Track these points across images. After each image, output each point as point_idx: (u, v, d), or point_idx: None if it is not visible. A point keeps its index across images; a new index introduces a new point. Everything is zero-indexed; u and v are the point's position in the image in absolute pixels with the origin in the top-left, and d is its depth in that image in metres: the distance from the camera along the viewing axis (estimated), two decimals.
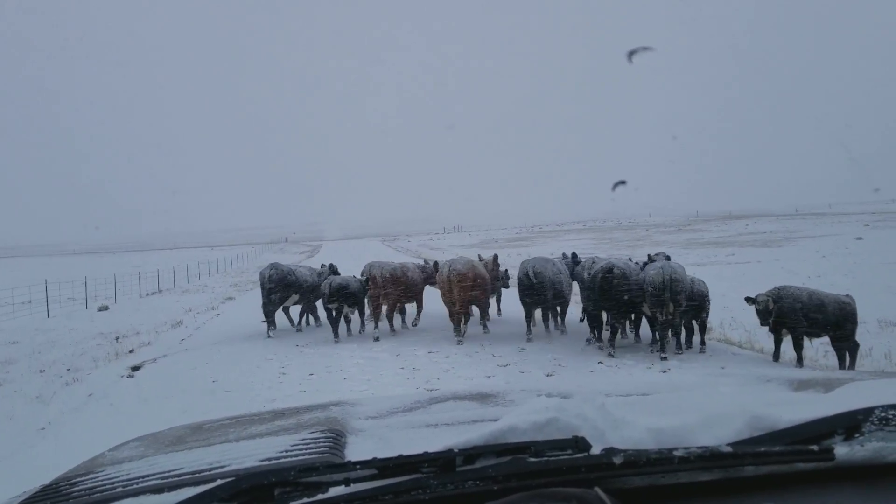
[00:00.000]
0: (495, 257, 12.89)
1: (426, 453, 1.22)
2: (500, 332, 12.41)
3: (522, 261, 12.01)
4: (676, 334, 9.90)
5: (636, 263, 11.41)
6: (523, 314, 11.71)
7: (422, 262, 14.38)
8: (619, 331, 10.89)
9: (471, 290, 11.52)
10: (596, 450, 1.20)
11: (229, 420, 2.19)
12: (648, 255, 10.94)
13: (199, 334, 14.60)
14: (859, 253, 27.40)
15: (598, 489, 1.06)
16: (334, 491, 1.16)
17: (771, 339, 9.11)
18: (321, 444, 1.62)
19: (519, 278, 11.58)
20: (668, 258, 10.77)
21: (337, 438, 1.68)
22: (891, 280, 16.70)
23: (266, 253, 71.40)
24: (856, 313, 8.33)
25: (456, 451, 1.22)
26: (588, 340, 10.62)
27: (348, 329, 12.71)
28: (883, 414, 1.23)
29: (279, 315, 13.68)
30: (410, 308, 13.80)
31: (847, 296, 8.49)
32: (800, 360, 8.59)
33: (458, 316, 11.64)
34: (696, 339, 10.50)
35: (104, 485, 1.47)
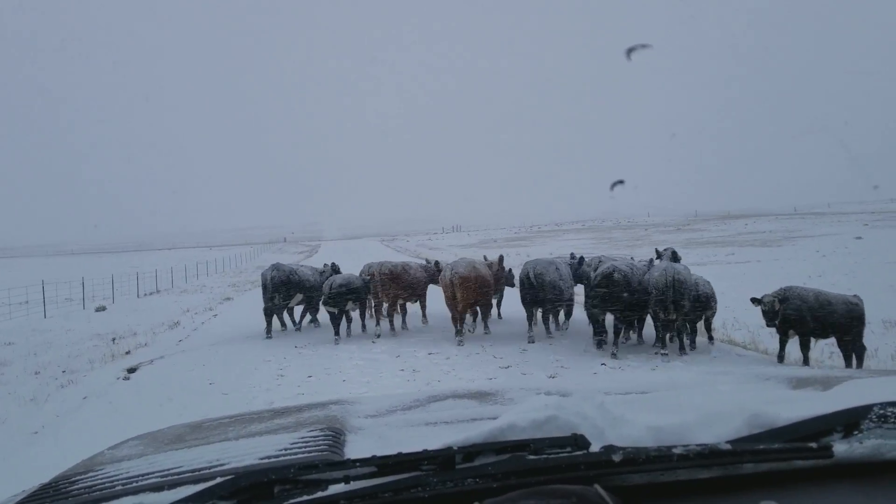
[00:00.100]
0: (501, 258, 12.79)
1: (426, 451, 1.22)
2: (502, 332, 12.30)
3: (525, 262, 11.95)
4: (680, 336, 9.77)
5: (642, 262, 11.32)
6: (525, 315, 11.68)
7: (423, 262, 14.26)
8: (623, 331, 10.81)
9: (473, 293, 11.46)
10: (595, 447, 1.19)
11: (228, 419, 2.18)
12: (656, 250, 10.86)
13: (196, 335, 14.47)
14: (859, 252, 27.35)
15: (597, 486, 1.06)
16: (334, 489, 1.16)
17: (774, 340, 9.02)
18: (320, 443, 1.62)
19: (520, 279, 11.62)
20: (674, 253, 10.68)
21: (336, 437, 1.68)
22: (893, 279, 16.61)
23: (265, 253, 71.27)
24: (864, 314, 8.22)
25: (455, 448, 1.23)
26: (596, 343, 10.49)
27: (349, 329, 12.63)
28: (881, 411, 1.23)
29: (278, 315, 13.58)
30: (412, 309, 13.70)
31: (855, 296, 8.37)
32: (806, 362, 8.47)
33: (461, 317, 11.58)
34: (700, 339, 10.42)
35: (104, 483, 1.47)
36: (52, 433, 7.17)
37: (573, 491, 1.04)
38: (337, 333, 12.19)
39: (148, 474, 1.48)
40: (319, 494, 1.15)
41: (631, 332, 11.02)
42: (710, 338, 10.27)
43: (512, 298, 13.06)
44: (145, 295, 28.82)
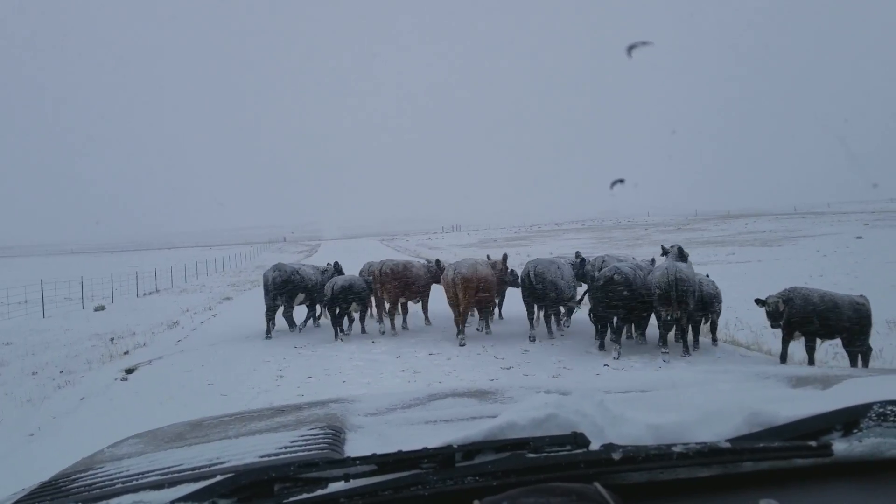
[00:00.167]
0: (505, 257, 12.73)
1: (425, 449, 1.22)
2: (503, 332, 12.23)
3: (527, 261, 11.95)
4: (684, 336, 9.69)
5: (644, 261, 11.26)
6: (526, 314, 11.70)
7: (425, 262, 14.19)
8: (626, 331, 10.74)
9: (475, 293, 11.42)
10: (595, 446, 1.20)
11: (228, 417, 2.18)
12: (662, 247, 10.82)
13: (195, 335, 14.38)
14: (860, 252, 27.26)
15: (597, 484, 1.06)
16: (334, 486, 1.16)
17: (778, 340, 8.94)
18: (320, 441, 1.62)
19: (521, 278, 11.66)
20: (681, 250, 10.62)
21: (336, 435, 1.68)
22: (895, 279, 16.53)
23: (264, 252, 71.20)
24: (870, 315, 8.13)
25: (455, 446, 1.23)
26: (598, 344, 10.42)
27: (349, 328, 12.54)
28: (881, 410, 1.23)
29: (278, 316, 13.50)
30: (413, 309, 13.65)
31: (861, 296, 8.28)
32: (811, 363, 8.39)
33: (463, 317, 11.56)
34: (703, 340, 10.35)
35: (103, 481, 1.47)
36: (49, 435, 7.07)
37: (573, 489, 1.03)
38: (337, 334, 12.17)
39: (148, 472, 1.47)
40: (319, 492, 1.15)
41: (635, 332, 10.95)
42: (714, 339, 10.19)
43: (513, 298, 13.02)
44: (145, 294, 28.76)
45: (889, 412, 1.23)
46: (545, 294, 11.20)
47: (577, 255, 12.92)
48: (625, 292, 9.72)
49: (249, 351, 11.47)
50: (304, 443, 1.62)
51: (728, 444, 1.17)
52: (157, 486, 1.32)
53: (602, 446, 1.18)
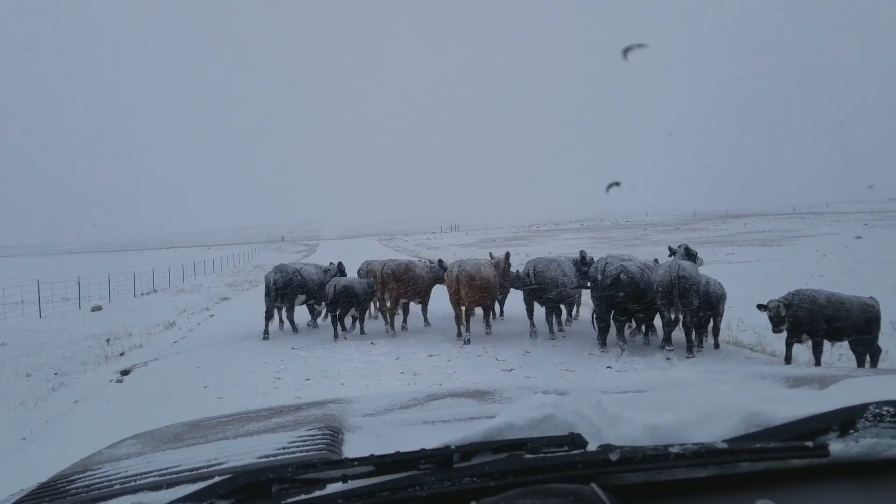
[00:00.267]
0: (507, 255, 12.66)
1: (423, 450, 1.22)
2: (504, 332, 12.13)
3: (527, 261, 11.88)
4: (688, 336, 9.58)
5: (653, 261, 11.20)
6: (526, 313, 11.76)
7: (427, 262, 14.12)
8: (632, 328, 10.62)
9: (479, 291, 11.41)
10: (592, 446, 1.20)
11: (226, 417, 2.18)
12: (669, 248, 10.76)
13: (192, 336, 14.27)
14: (860, 252, 27.18)
15: (594, 485, 1.06)
16: (331, 488, 1.16)
17: (782, 341, 8.84)
18: (318, 441, 1.62)
19: (521, 277, 11.64)
20: (688, 250, 10.54)
21: (334, 435, 1.68)
22: None
23: (263, 252, 71.08)
24: (880, 316, 8.01)
25: (453, 447, 1.23)
26: (601, 343, 10.34)
27: (353, 326, 12.47)
28: (877, 410, 1.23)
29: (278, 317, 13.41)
30: (413, 310, 13.55)
31: (871, 298, 8.15)
32: (818, 366, 8.28)
33: (467, 315, 11.57)
34: (709, 341, 10.26)
35: (102, 482, 1.46)
36: (41, 439, 6.95)
37: (570, 490, 1.03)
38: (337, 334, 12.11)
39: (146, 473, 1.47)
40: (317, 493, 1.15)
41: (642, 332, 10.84)
42: (716, 343, 10.06)
43: (513, 298, 12.99)
44: (142, 294, 28.64)
45: (885, 412, 1.23)
46: (546, 293, 11.21)
47: (583, 253, 12.77)
48: (632, 291, 9.65)
49: (247, 352, 11.35)
50: (303, 443, 1.61)
51: (725, 445, 1.17)
52: (155, 486, 1.31)
53: (599, 447, 1.17)
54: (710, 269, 13.16)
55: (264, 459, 1.49)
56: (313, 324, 13.94)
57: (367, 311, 13.34)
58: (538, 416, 1.33)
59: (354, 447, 1.56)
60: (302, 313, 14.03)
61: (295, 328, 13.25)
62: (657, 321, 10.57)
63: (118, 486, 1.40)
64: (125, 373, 10.33)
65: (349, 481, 1.16)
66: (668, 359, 9.33)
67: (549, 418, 1.32)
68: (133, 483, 1.40)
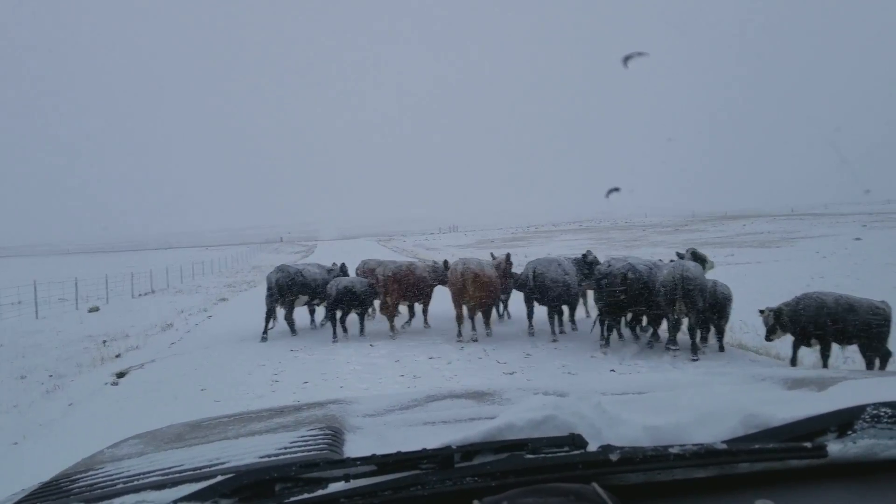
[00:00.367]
0: (508, 256, 12.59)
1: (424, 450, 1.23)
2: (505, 334, 12.02)
3: (527, 262, 11.83)
4: (693, 338, 9.48)
5: (660, 260, 11.20)
6: (527, 315, 11.74)
7: (432, 262, 14.07)
8: (638, 328, 10.55)
9: (483, 291, 11.36)
10: (592, 447, 1.20)
11: (228, 418, 2.19)
12: (677, 253, 10.74)
13: (189, 337, 14.14)
14: (859, 254, 27.14)
15: (595, 485, 1.06)
16: (334, 487, 1.17)
17: (786, 344, 8.75)
18: (320, 441, 1.62)
19: (522, 279, 11.61)
20: (695, 254, 10.50)
21: (335, 435, 1.68)
22: None
23: (261, 253, 70.95)
24: (889, 319, 7.86)
25: (454, 447, 1.24)
26: (604, 342, 10.28)
27: (364, 325, 12.49)
28: (875, 411, 1.24)
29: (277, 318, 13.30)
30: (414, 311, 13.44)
31: (882, 302, 8.02)
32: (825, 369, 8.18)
33: (472, 314, 11.55)
34: (710, 344, 10.18)
35: (104, 481, 1.46)
36: (34, 444, 6.81)
37: (571, 489, 1.04)
38: (336, 334, 12.03)
39: (149, 473, 1.47)
40: (320, 492, 1.16)
41: (650, 334, 10.75)
42: (721, 346, 9.97)
43: (515, 298, 12.90)
44: (140, 295, 28.50)
45: (883, 414, 1.23)
46: (546, 294, 11.17)
47: (587, 253, 12.63)
48: (640, 290, 9.60)
49: (244, 354, 11.23)
50: (304, 443, 1.61)
51: (724, 446, 1.18)
52: (158, 486, 1.31)
53: (599, 447, 1.18)
54: (712, 270, 13.06)
55: (266, 459, 1.50)
56: (313, 325, 13.85)
57: (367, 313, 13.26)
58: (538, 417, 1.33)
59: (355, 447, 1.56)
60: (300, 315, 13.92)
61: (293, 330, 13.15)
62: (662, 324, 10.51)
63: (121, 486, 1.40)
64: (121, 375, 10.20)
65: (351, 480, 1.16)
66: (674, 356, 9.26)
67: (549, 419, 1.33)
68: (136, 482, 1.40)
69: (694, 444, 1.18)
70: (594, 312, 12.96)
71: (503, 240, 63.73)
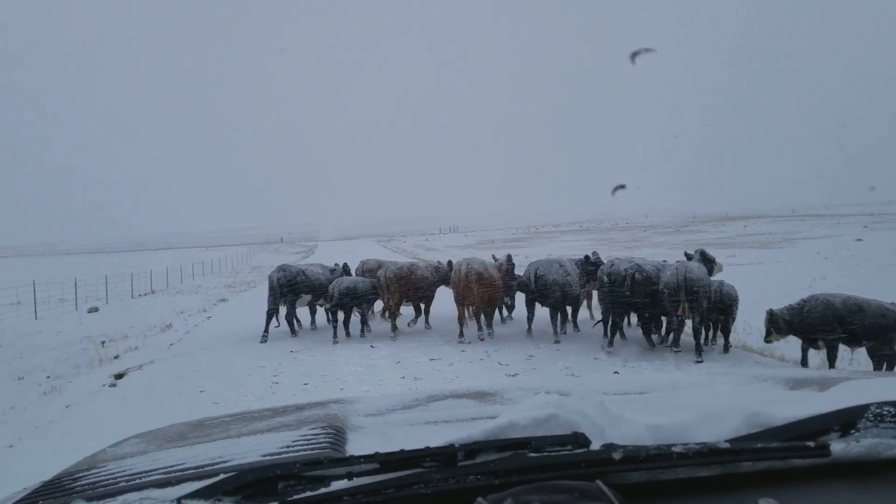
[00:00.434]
0: (509, 257, 12.52)
1: (428, 448, 1.22)
2: (507, 335, 11.93)
3: (528, 263, 11.76)
4: (697, 340, 9.39)
5: (664, 261, 11.16)
6: (527, 317, 11.71)
7: (436, 262, 14.04)
8: (664, 343, 10.49)
9: (486, 290, 11.31)
10: (595, 446, 1.21)
11: (229, 417, 2.19)
12: (686, 253, 10.68)
13: (189, 338, 14.05)
14: (861, 255, 27.06)
15: (599, 482, 1.06)
16: (336, 485, 1.16)
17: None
18: (322, 440, 1.62)
19: (522, 281, 11.59)
20: (704, 255, 10.43)
21: (338, 434, 1.68)
22: None
23: (261, 253, 70.90)
24: None
25: (457, 445, 1.23)
26: (608, 342, 10.22)
27: (368, 327, 12.44)
28: (878, 410, 1.24)
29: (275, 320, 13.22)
30: (408, 312, 13.35)
31: (893, 304, 7.89)
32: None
33: (476, 314, 11.53)
34: (717, 345, 10.10)
35: (107, 479, 1.46)
36: (29, 447, 6.69)
37: (576, 486, 1.04)
38: (336, 334, 11.95)
39: (151, 471, 1.47)
40: (323, 490, 1.16)
41: (655, 333, 10.67)
42: (726, 347, 9.89)
43: (517, 299, 12.83)
44: (140, 296, 28.43)
45: (886, 413, 1.23)
46: (547, 295, 11.11)
47: (594, 255, 12.52)
48: (647, 291, 9.55)
49: (244, 355, 11.14)
50: (306, 442, 1.61)
51: (727, 445, 1.18)
52: (161, 483, 1.31)
53: (603, 446, 1.19)
54: (720, 272, 12.97)
55: (268, 458, 1.50)
56: (313, 326, 13.77)
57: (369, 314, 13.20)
58: (541, 416, 1.33)
59: (357, 446, 1.55)
60: (299, 316, 13.84)
61: (293, 331, 13.07)
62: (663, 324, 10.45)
63: (123, 483, 1.40)
64: (119, 376, 10.10)
65: (354, 479, 1.16)
66: (676, 354, 9.19)
67: (552, 418, 1.32)
68: (138, 480, 1.40)
69: (697, 443, 1.18)
70: (597, 314, 12.88)
71: (503, 240, 63.66)
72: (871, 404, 1.26)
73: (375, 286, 12.34)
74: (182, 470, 1.45)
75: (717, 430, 1.29)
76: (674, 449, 1.15)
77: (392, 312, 12.42)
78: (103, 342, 14.17)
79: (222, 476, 1.21)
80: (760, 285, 16.54)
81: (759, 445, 1.18)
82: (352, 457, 1.22)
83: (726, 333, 9.98)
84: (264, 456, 1.51)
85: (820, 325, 7.89)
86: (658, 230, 64.95)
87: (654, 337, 10.58)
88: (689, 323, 9.83)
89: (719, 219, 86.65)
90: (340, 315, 12.27)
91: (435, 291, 13.06)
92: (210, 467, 1.44)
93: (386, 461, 1.19)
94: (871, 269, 21.16)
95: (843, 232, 42.60)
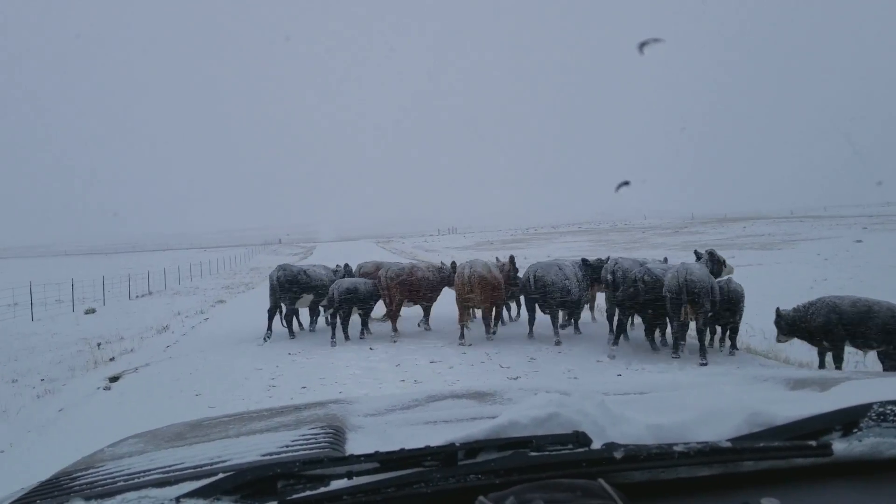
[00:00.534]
0: (512, 259, 12.43)
1: (428, 447, 1.22)
2: (508, 336, 11.83)
3: (529, 265, 11.71)
4: (701, 342, 9.29)
5: (665, 260, 11.10)
6: (528, 319, 11.65)
7: (440, 263, 13.95)
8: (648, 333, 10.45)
9: (491, 292, 11.25)
10: (596, 445, 1.20)
11: (228, 417, 2.18)
12: (696, 252, 10.61)
13: (185, 340, 13.92)
14: (861, 256, 27.03)
15: (601, 480, 1.06)
16: (336, 484, 1.16)
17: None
18: (321, 440, 1.61)
19: (522, 283, 11.56)
20: (713, 255, 10.37)
21: (337, 434, 1.67)
22: None
23: (259, 254, 70.79)
24: None
25: (458, 444, 1.22)
26: (613, 341, 10.13)
27: (368, 328, 12.36)
28: (880, 409, 1.24)
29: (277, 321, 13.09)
30: (411, 314, 13.25)
31: None
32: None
33: (486, 315, 11.53)
34: (726, 345, 10.01)
35: (105, 479, 1.46)
36: (20, 453, 6.54)
37: (578, 485, 1.03)
38: (335, 335, 11.85)
39: (150, 470, 1.47)
40: (322, 489, 1.15)
41: (669, 339, 10.59)
42: (732, 348, 9.79)
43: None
44: (137, 297, 28.28)
45: (888, 412, 1.23)
46: (547, 298, 11.05)
47: (599, 260, 12.44)
48: (656, 293, 9.48)
49: (241, 357, 11.00)
50: (306, 442, 1.61)
51: (729, 444, 1.17)
52: (160, 483, 1.30)
53: (604, 445, 1.18)
54: (729, 274, 12.87)
55: (267, 457, 1.49)
56: (312, 328, 13.64)
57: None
58: (542, 415, 1.32)
59: (357, 446, 1.55)
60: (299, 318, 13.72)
61: (292, 332, 12.95)
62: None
63: (122, 483, 1.39)
64: (114, 379, 9.96)
65: (354, 478, 1.16)
66: (677, 356, 9.13)
67: (553, 417, 1.32)
68: (137, 480, 1.39)
69: (698, 443, 1.17)
70: (600, 316, 12.77)
71: (503, 242, 63.58)
72: (874, 403, 1.25)
73: (377, 287, 12.25)
74: (181, 469, 1.44)
75: (718, 429, 1.29)
76: (675, 448, 1.15)
77: (394, 314, 12.32)
78: (99, 344, 14.03)
79: (221, 475, 1.21)
80: (761, 287, 16.45)
81: (761, 445, 1.18)
82: (352, 456, 1.21)
83: (734, 333, 9.88)
84: (263, 455, 1.50)
85: (822, 329, 7.78)
86: (657, 231, 64.91)
87: (658, 339, 10.48)
88: (692, 325, 9.74)
89: (718, 220, 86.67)
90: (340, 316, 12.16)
91: (438, 293, 12.96)
92: (209, 467, 1.43)
93: (386, 460, 1.18)
94: (871, 270, 21.09)
95: (843, 233, 42.59)
